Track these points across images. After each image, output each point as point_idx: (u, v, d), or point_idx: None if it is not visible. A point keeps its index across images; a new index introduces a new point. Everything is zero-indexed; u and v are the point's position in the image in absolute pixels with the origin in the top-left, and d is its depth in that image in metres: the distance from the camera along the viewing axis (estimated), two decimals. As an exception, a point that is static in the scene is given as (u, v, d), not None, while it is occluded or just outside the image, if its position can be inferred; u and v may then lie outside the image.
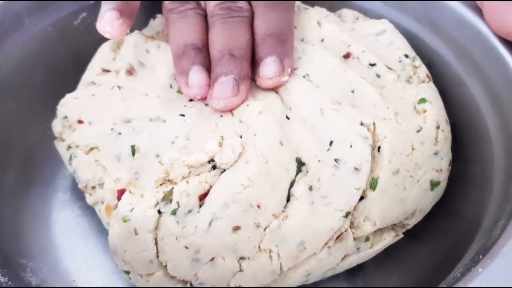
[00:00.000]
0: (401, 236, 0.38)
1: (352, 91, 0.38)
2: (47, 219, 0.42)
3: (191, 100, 0.38)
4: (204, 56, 0.37)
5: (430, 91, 0.39)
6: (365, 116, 0.36)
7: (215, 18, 0.38)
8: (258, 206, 0.33)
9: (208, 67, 0.37)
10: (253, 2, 0.39)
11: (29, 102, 0.44)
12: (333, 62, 0.39)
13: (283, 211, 0.34)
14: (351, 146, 0.35)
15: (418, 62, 0.41)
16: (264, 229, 0.33)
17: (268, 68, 0.36)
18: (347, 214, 0.34)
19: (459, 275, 0.30)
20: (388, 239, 0.37)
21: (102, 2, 0.38)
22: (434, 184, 0.37)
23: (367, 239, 0.36)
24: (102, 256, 0.40)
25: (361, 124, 0.36)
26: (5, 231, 0.39)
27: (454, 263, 0.33)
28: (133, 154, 0.36)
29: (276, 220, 0.33)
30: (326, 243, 0.34)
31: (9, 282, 0.35)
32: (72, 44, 0.45)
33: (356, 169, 0.34)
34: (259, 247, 0.33)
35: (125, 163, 0.35)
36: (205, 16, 0.39)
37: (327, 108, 0.37)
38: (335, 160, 0.35)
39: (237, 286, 0.35)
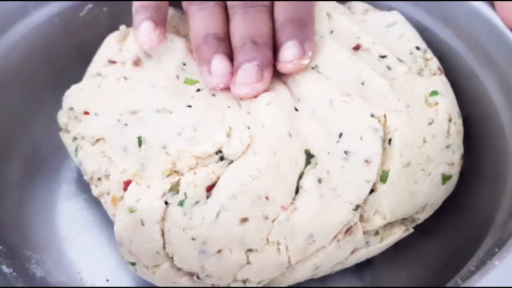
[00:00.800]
0: (411, 230, 0.37)
1: (362, 83, 0.37)
2: (52, 211, 0.41)
3: (198, 90, 0.38)
4: (226, 46, 0.37)
5: (441, 83, 0.39)
6: (375, 108, 0.36)
7: (236, 8, 0.37)
8: (267, 198, 0.33)
9: (230, 57, 0.37)
10: None
11: (34, 94, 0.43)
12: (343, 54, 0.39)
13: (291, 203, 0.33)
14: (361, 138, 0.35)
15: (430, 54, 0.40)
16: (273, 221, 0.33)
17: (289, 52, 0.36)
18: (357, 207, 0.34)
19: (474, 269, 0.30)
20: (398, 233, 0.37)
21: (134, 10, 0.38)
22: (445, 178, 0.37)
23: (376, 233, 0.36)
24: (107, 248, 0.39)
25: (372, 116, 0.35)
26: (10, 223, 0.39)
27: (466, 259, 0.33)
28: (140, 145, 0.35)
29: (284, 212, 0.33)
30: (335, 237, 0.34)
31: (14, 273, 0.36)
32: (78, 36, 0.44)
33: (366, 161, 0.34)
34: (267, 239, 0.33)
35: (132, 154, 0.35)
36: (225, 8, 0.39)
37: (337, 100, 0.36)
38: (345, 152, 0.34)
39: (244, 279, 0.34)
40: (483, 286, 0.27)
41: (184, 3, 0.40)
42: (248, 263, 0.33)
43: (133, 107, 0.37)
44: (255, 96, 0.36)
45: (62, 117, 0.40)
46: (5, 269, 0.35)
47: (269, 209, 0.33)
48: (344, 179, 0.34)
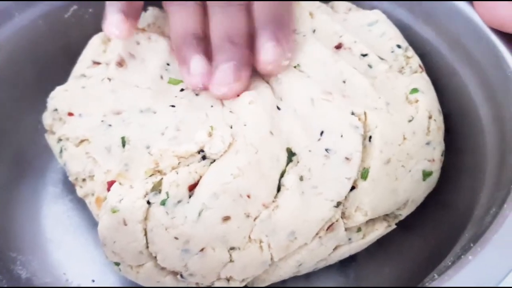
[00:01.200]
0: (394, 227, 0.37)
1: (344, 81, 0.38)
2: (38, 212, 0.41)
3: (182, 90, 0.38)
4: (205, 45, 0.37)
5: (422, 81, 0.39)
6: (356, 106, 0.36)
7: (214, 8, 0.38)
8: (248, 196, 0.33)
9: (209, 56, 0.37)
10: None
11: (20, 95, 0.43)
12: (324, 53, 0.39)
13: (273, 201, 0.33)
14: (342, 136, 0.35)
15: (411, 52, 0.40)
16: (254, 219, 0.33)
17: (268, 53, 0.36)
18: (338, 204, 0.34)
19: (449, 264, 0.30)
20: (380, 229, 0.37)
21: (107, 2, 0.38)
22: (426, 174, 0.37)
23: (359, 229, 0.36)
24: (93, 249, 0.39)
25: (352, 114, 0.36)
26: None
27: (446, 253, 0.33)
28: (123, 145, 0.35)
29: (266, 210, 0.33)
30: (317, 234, 0.34)
31: None
32: (63, 37, 0.44)
33: (347, 158, 0.34)
34: (249, 237, 0.33)
35: (115, 155, 0.35)
36: (204, 7, 0.39)
37: (318, 98, 0.36)
38: (326, 150, 0.35)
39: (228, 277, 0.34)
40: (454, 286, 0.27)
41: (164, 3, 0.40)
42: (231, 261, 0.33)
43: (117, 108, 0.37)
44: (237, 96, 0.36)
45: (46, 118, 0.40)
46: None
47: (251, 207, 0.33)
48: (325, 176, 0.34)
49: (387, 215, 0.37)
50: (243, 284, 0.35)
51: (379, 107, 0.36)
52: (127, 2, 0.38)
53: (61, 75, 0.41)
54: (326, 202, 0.34)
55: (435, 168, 0.38)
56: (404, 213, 0.38)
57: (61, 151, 0.39)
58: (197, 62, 0.36)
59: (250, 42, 0.37)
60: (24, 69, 0.44)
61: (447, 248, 0.34)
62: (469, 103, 0.39)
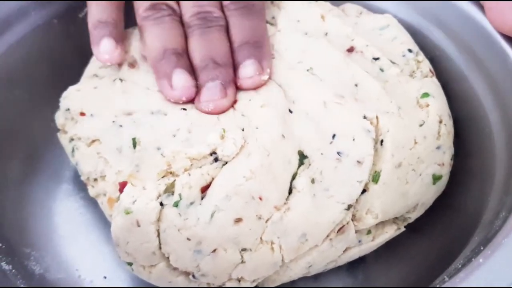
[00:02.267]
0: (403, 229, 0.37)
1: (356, 85, 0.37)
2: (51, 209, 0.41)
3: None
4: (185, 61, 0.37)
5: (433, 85, 0.39)
6: (368, 109, 0.36)
7: (193, 28, 0.38)
8: (260, 198, 0.33)
9: (190, 72, 0.37)
10: (226, 12, 0.39)
11: (34, 94, 0.43)
12: (336, 56, 0.39)
13: (285, 204, 0.33)
14: (354, 139, 0.35)
15: (421, 57, 0.40)
16: (266, 221, 0.33)
17: (248, 69, 0.37)
18: (349, 206, 0.34)
19: (460, 266, 0.30)
20: (390, 232, 0.37)
21: (91, 26, 0.38)
22: (436, 178, 0.37)
23: (368, 232, 0.36)
24: (105, 246, 0.39)
25: (364, 117, 0.35)
26: (9, 220, 0.39)
27: (454, 256, 0.33)
28: (134, 146, 0.35)
29: (278, 212, 0.33)
30: (327, 236, 0.34)
31: (13, 270, 0.35)
32: (77, 37, 0.43)
33: (358, 162, 0.34)
34: (261, 238, 0.33)
35: (127, 155, 0.35)
36: (181, 23, 0.38)
37: (330, 102, 0.36)
38: (338, 153, 0.34)
39: (239, 277, 0.34)
40: (467, 286, 0.27)
41: (138, 18, 0.39)
42: (243, 262, 0.33)
43: (128, 109, 0.37)
44: (223, 112, 0.36)
45: (59, 118, 0.40)
46: (5, 266, 0.35)
47: (263, 209, 0.33)
48: (336, 179, 0.34)
49: (396, 218, 0.37)
50: (253, 285, 0.35)
51: (390, 111, 0.36)
52: (113, 26, 0.38)
53: (74, 75, 0.41)
54: (337, 204, 0.33)
55: (445, 172, 0.37)
56: (414, 216, 0.37)
57: (73, 151, 0.38)
58: (179, 75, 0.36)
59: (232, 62, 0.37)
60: (38, 67, 0.44)
61: (455, 252, 0.33)
62: (478, 108, 0.39)
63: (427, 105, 0.37)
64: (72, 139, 0.39)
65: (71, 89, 0.39)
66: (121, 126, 0.36)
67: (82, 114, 0.38)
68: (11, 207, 0.40)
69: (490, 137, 0.38)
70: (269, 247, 0.33)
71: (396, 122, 0.35)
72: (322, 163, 0.34)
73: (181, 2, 0.39)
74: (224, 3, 0.39)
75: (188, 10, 0.38)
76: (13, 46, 0.42)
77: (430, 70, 0.40)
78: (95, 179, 0.37)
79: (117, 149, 0.35)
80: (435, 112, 0.37)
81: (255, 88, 0.37)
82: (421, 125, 0.36)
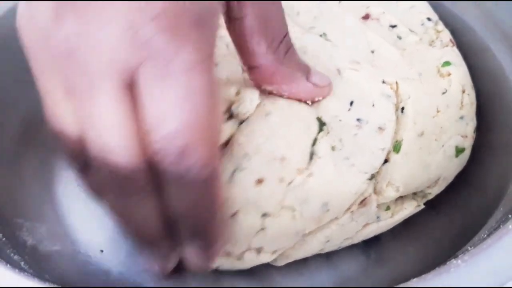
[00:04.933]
0: (422, 207, 0.36)
1: (372, 52, 0.36)
2: (47, 180, 0.40)
3: None
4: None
5: (454, 54, 0.37)
6: (386, 75, 0.34)
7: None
8: (282, 159, 0.31)
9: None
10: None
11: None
12: (351, 22, 0.37)
13: (306, 169, 0.32)
14: (373, 105, 0.33)
15: (441, 26, 0.39)
16: (288, 185, 0.31)
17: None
18: (372, 176, 0.32)
19: (485, 236, 0.29)
20: (409, 209, 0.35)
21: None
22: (459, 151, 0.36)
23: (387, 208, 0.34)
24: (102, 219, 0.38)
25: (383, 82, 0.34)
26: (2, 189, 0.38)
27: (475, 232, 0.33)
28: None
29: (300, 177, 0.31)
30: (348, 208, 0.33)
31: (4, 239, 0.35)
32: None
33: (380, 128, 0.33)
34: (282, 204, 0.31)
35: None
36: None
37: (346, 68, 0.35)
38: (357, 119, 0.33)
39: (259, 247, 0.32)
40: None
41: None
42: (263, 228, 0.32)
43: None
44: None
45: None
46: None
47: (285, 171, 0.31)
48: (357, 147, 0.32)
49: (415, 193, 0.36)
50: (273, 257, 0.33)
51: (411, 77, 0.35)
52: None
53: None
54: (360, 174, 0.32)
55: (468, 144, 0.36)
56: (434, 191, 0.36)
57: None
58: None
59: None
60: None
61: (476, 227, 0.33)
62: (502, 82, 0.38)
63: (449, 74, 0.36)
64: None
65: None
66: None
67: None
68: (4, 176, 0.39)
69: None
70: (290, 214, 0.32)
71: (417, 88, 0.34)
72: (341, 130, 0.33)
73: None
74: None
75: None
76: (9, 12, 0.41)
77: (451, 40, 0.38)
78: None
79: None
80: (457, 81, 0.36)
81: None
82: (443, 93, 0.35)
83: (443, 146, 0.35)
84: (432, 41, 0.39)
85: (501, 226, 0.28)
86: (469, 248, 0.29)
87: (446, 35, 0.39)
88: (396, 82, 0.34)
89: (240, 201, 0.31)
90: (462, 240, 0.33)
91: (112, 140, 0.24)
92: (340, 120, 0.33)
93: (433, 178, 0.35)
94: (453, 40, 0.39)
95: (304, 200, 0.32)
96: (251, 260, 0.33)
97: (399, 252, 0.37)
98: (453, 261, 0.27)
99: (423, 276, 0.27)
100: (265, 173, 0.31)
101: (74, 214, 0.39)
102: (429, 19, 0.39)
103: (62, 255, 0.37)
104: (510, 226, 0.27)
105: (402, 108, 0.34)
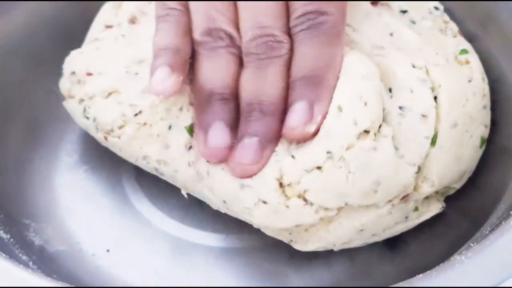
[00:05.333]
0: (444, 207, 0.35)
1: (391, 34, 0.35)
2: (52, 181, 0.42)
3: None
4: (231, 109, 0.34)
5: (467, 44, 0.37)
6: (414, 59, 0.34)
7: (249, 58, 0.34)
8: (365, 104, 0.31)
9: (235, 120, 0.33)
10: (292, 34, 0.34)
11: (35, 64, 0.43)
12: (365, 4, 0.36)
13: (375, 136, 0.31)
14: (411, 91, 0.32)
15: (447, 17, 0.38)
16: (358, 136, 0.31)
17: (294, 117, 0.32)
18: (418, 169, 0.32)
19: (487, 232, 0.29)
20: (435, 211, 0.35)
21: (154, 54, 0.35)
22: (482, 141, 0.35)
23: (416, 209, 0.34)
24: (107, 218, 0.40)
25: (413, 67, 0.33)
26: (9, 190, 0.40)
27: (478, 226, 0.33)
28: None
29: (370, 141, 0.31)
30: (391, 200, 0.32)
31: (12, 240, 0.36)
32: (80, 4, 0.45)
33: (423, 116, 0.32)
34: (342, 156, 0.31)
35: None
36: (238, 55, 0.34)
37: (371, 54, 0.34)
38: (400, 107, 0.32)
39: (306, 189, 0.31)
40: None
41: (196, 48, 0.35)
42: (319, 167, 0.31)
43: (138, 57, 0.37)
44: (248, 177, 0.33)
45: (64, 83, 0.39)
46: (2, 234, 0.36)
47: (363, 115, 0.31)
48: (403, 136, 0.32)
49: (436, 192, 0.35)
50: (316, 217, 0.33)
51: (439, 63, 0.34)
52: (173, 52, 0.34)
53: (77, 43, 0.41)
54: (409, 167, 0.31)
55: (487, 134, 0.36)
56: (458, 186, 0.35)
57: (85, 111, 0.38)
58: (216, 132, 0.33)
59: (283, 109, 0.33)
60: (39, 36, 0.44)
61: (480, 221, 0.34)
62: (495, 71, 0.38)
63: (467, 62, 0.36)
64: (82, 100, 0.38)
65: (74, 53, 0.39)
66: (136, 73, 0.36)
67: (89, 74, 0.38)
68: (11, 177, 0.41)
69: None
70: (345, 172, 0.31)
71: (448, 76, 0.33)
72: (386, 119, 0.32)
73: (241, 22, 0.34)
74: (291, 22, 0.34)
75: (247, 31, 0.34)
76: (15, 15, 0.43)
77: (459, 31, 0.38)
78: (121, 126, 0.36)
79: (142, 91, 0.35)
80: (477, 69, 0.35)
81: (300, 139, 0.33)
82: (469, 81, 0.34)
83: (471, 136, 0.34)
84: (442, 29, 0.38)
85: (503, 222, 0.28)
86: (472, 245, 0.29)
87: (454, 26, 0.39)
88: (426, 68, 0.33)
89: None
90: (465, 236, 0.34)
91: None
92: (384, 109, 0.32)
93: (462, 171, 0.34)
94: (460, 31, 0.39)
95: (363, 166, 0.31)
96: (295, 208, 0.32)
97: (400, 249, 0.38)
98: (457, 257, 0.27)
99: (427, 272, 0.27)
100: (346, 106, 0.31)
101: (80, 214, 0.41)
102: (436, 8, 0.39)
103: (69, 255, 0.38)
104: (511, 223, 0.27)
105: (435, 97, 0.33)
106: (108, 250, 0.39)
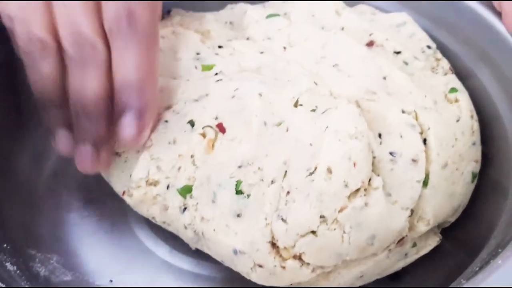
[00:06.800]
0: (440, 240, 0.36)
1: (384, 78, 0.36)
2: (57, 212, 0.43)
3: (216, 74, 0.38)
4: (65, 111, 0.34)
5: (457, 81, 0.38)
6: (404, 104, 0.35)
7: (67, 59, 0.33)
8: (354, 164, 0.31)
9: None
10: (108, 35, 0.33)
11: None
12: (359, 49, 0.37)
13: (364, 195, 0.31)
14: (401, 136, 0.33)
15: (439, 55, 0.39)
16: (349, 196, 0.31)
17: (125, 129, 0.33)
18: (411, 212, 0.33)
19: (477, 269, 0.30)
20: (433, 244, 0.36)
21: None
22: (474, 176, 0.36)
23: (414, 245, 0.35)
24: (111, 249, 0.41)
25: (403, 112, 0.34)
26: (16, 221, 0.40)
27: (470, 261, 0.34)
28: (192, 125, 0.36)
29: (360, 199, 0.31)
30: (388, 246, 0.33)
31: (18, 271, 0.37)
32: None
33: (413, 160, 0.33)
34: (337, 218, 0.32)
35: (184, 140, 0.36)
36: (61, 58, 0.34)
37: (363, 99, 0.35)
38: (390, 153, 0.33)
39: (302, 252, 0.32)
40: (487, 287, 0.28)
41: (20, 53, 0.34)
42: (314, 232, 0.32)
43: (165, 104, 0.37)
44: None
45: None
46: (9, 266, 0.37)
47: (353, 177, 0.31)
48: (395, 182, 0.32)
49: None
50: (312, 275, 0.33)
51: (428, 106, 0.35)
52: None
53: None
54: (402, 211, 0.32)
55: (478, 169, 0.37)
56: (452, 219, 0.36)
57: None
58: (59, 138, 0.35)
59: (109, 106, 0.33)
60: None
61: (472, 256, 0.34)
62: (489, 107, 0.40)
63: (456, 100, 0.37)
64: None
65: None
66: (166, 121, 0.36)
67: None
68: (17, 208, 0.41)
69: (504, 138, 0.38)
70: (340, 234, 0.32)
71: (436, 118, 0.34)
72: (376, 166, 0.33)
73: (57, 21, 0.33)
74: (104, 23, 0.32)
75: (61, 31, 0.33)
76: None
77: (450, 68, 0.39)
78: (152, 183, 0.36)
79: (170, 143, 0.36)
80: (466, 107, 0.36)
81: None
82: (457, 121, 0.36)
83: (462, 173, 0.35)
84: (433, 68, 0.39)
85: (491, 261, 0.29)
86: (462, 281, 0.30)
87: (446, 63, 0.40)
88: (415, 112, 0.35)
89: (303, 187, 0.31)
90: (456, 272, 0.34)
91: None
92: (374, 157, 0.33)
93: (456, 206, 0.36)
94: (451, 67, 0.40)
95: (357, 226, 0.32)
96: (292, 269, 0.33)
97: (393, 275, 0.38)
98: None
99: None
100: (336, 168, 0.31)
101: (84, 245, 0.41)
102: (428, 47, 0.40)
103: (73, 285, 0.39)
104: (499, 261, 0.29)
105: (424, 140, 0.34)
106: (111, 281, 0.39)
